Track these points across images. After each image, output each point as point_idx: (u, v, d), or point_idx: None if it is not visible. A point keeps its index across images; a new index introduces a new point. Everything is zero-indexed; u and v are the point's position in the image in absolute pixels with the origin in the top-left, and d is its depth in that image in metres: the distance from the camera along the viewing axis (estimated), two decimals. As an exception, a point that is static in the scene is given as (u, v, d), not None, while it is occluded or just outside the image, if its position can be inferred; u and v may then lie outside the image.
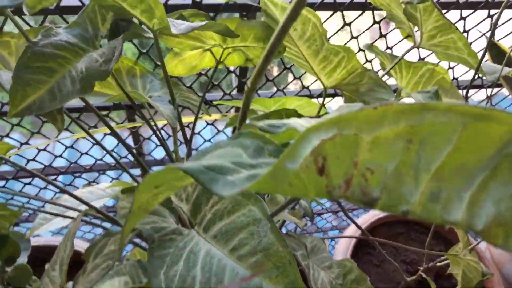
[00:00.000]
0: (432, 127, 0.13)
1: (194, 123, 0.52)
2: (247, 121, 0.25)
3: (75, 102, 0.53)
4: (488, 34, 0.58)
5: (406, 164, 0.14)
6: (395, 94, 0.47)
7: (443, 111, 0.13)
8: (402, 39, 0.58)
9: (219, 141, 0.20)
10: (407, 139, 0.14)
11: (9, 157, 0.60)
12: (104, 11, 0.42)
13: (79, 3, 0.48)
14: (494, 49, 0.59)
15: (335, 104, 0.88)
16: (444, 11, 0.58)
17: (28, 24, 0.49)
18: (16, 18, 0.45)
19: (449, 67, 0.68)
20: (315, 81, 0.55)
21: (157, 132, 0.52)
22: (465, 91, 0.76)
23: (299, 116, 0.49)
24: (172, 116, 0.45)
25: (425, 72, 0.61)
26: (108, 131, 0.64)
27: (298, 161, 0.14)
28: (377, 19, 0.58)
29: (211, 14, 0.51)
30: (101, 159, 0.78)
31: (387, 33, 0.61)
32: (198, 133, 0.76)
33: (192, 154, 0.56)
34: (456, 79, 0.73)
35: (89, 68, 0.36)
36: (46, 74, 0.35)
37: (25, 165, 0.73)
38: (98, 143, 0.51)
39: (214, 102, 0.65)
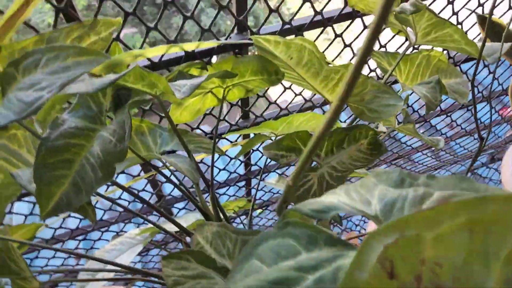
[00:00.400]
0: (494, 217, 0.13)
1: (212, 165, 0.52)
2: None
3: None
4: (478, 11, 0.58)
5: (474, 254, 0.14)
6: (403, 99, 0.47)
7: (503, 201, 0.13)
8: (394, 35, 0.58)
9: (266, 232, 0.20)
10: (469, 230, 0.14)
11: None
12: (103, 85, 0.42)
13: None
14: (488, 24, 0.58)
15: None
16: None
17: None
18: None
19: (444, 48, 0.68)
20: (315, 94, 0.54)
21: (171, 178, 0.53)
22: (461, 66, 0.76)
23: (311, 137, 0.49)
24: (192, 169, 0.46)
25: (421, 60, 0.61)
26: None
27: (366, 269, 0.14)
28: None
29: (206, 59, 0.51)
30: (124, 210, 0.78)
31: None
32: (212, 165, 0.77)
33: (213, 187, 0.56)
34: (453, 57, 0.72)
35: (104, 151, 0.36)
36: (65, 167, 0.35)
37: (53, 233, 0.73)
38: (114, 202, 0.52)
39: (223, 135, 0.65)
